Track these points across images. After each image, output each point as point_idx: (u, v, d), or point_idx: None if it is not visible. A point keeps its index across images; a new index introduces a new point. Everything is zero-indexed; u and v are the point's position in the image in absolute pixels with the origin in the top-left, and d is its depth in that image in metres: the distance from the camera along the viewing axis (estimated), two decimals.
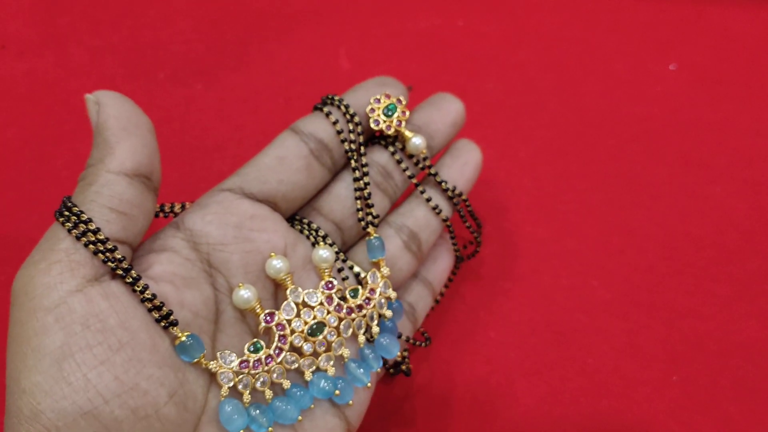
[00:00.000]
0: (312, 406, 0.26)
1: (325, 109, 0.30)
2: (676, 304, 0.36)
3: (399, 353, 0.31)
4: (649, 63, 0.43)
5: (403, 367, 0.31)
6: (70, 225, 0.23)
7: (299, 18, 0.44)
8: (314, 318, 0.26)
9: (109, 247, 0.23)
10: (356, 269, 0.29)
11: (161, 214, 0.29)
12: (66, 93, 0.42)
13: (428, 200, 0.31)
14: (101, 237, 0.23)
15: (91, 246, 0.23)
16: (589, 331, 0.35)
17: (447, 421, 0.34)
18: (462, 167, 0.32)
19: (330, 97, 0.30)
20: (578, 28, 0.44)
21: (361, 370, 0.27)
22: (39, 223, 0.37)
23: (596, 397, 0.34)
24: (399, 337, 0.30)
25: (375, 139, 0.32)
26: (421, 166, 0.31)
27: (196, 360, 0.24)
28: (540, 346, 0.35)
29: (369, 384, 0.27)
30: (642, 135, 0.41)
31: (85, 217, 0.23)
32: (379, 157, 0.31)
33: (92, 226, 0.23)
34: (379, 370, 0.28)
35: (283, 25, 0.44)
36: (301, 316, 0.26)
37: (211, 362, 0.24)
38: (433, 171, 0.31)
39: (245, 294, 0.25)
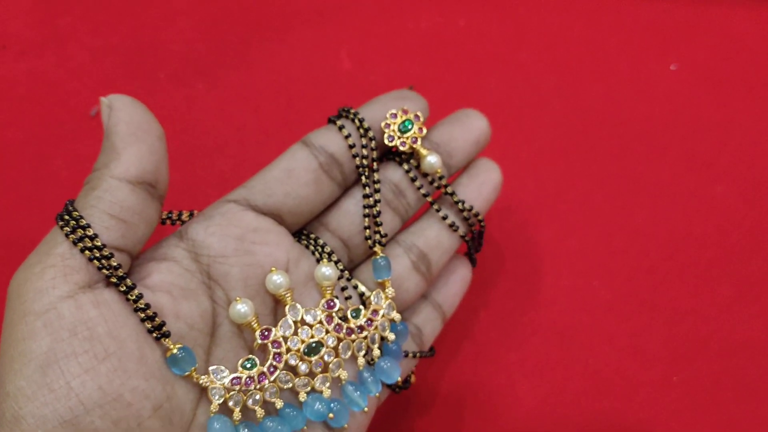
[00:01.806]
0: (305, 428, 0.25)
1: (339, 122, 0.29)
2: (677, 304, 0.36)
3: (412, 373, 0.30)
4: (651, 63, 0.43)
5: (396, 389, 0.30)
6: (68, 229, 0.23)
7: (300, 17, 0.44)
8: (312, 337, 0.26)
9: (106, 254, 0.23)
10: (361, 289, 0.28)
11: (168, 222, 0.29)
12: (66, 93, 0.42)
13: (444, 218, 0.30)
14: (98, 243, 0.23)
15: (87, 252, 0.23)
16: (590, 331, 0.36)
17: (448, 421, 0.34)
18: (479, 187, 0.31)
19: (346, 109, 0.29)
20: (579, 28, 0.44)
21: (358, 393, 0.26)
22: (38, 223, 0.37)
23: (597, 398, 0.34)
24: (406, 355, 0.29)
25: (390, 155, 0.31)
26: (436, 185, 0.30)
27: (186, 373, 0.24)
28: (541, 346, 0.35)
29: (366, 409, 0.26)
30: (643, 135, 0.41)
31: (83, 222, 0.23)
32: (392, 174, 0.30)
33: (90, 232, 0.23)
34: (378, 394, 0.27)
35: (284, 24, 0.44)
36: (299, 334, 0.26)
37: (202, 377, 0.24)
38: (450, 190, 0.30)
39: (242, 308, 0.25)
